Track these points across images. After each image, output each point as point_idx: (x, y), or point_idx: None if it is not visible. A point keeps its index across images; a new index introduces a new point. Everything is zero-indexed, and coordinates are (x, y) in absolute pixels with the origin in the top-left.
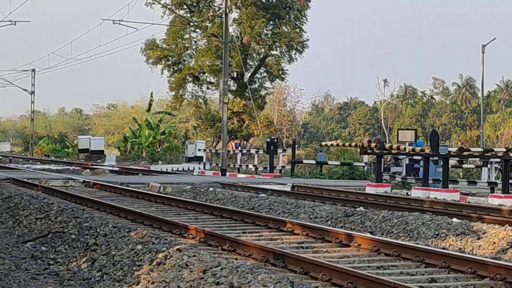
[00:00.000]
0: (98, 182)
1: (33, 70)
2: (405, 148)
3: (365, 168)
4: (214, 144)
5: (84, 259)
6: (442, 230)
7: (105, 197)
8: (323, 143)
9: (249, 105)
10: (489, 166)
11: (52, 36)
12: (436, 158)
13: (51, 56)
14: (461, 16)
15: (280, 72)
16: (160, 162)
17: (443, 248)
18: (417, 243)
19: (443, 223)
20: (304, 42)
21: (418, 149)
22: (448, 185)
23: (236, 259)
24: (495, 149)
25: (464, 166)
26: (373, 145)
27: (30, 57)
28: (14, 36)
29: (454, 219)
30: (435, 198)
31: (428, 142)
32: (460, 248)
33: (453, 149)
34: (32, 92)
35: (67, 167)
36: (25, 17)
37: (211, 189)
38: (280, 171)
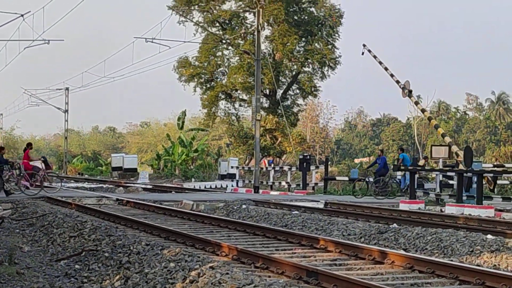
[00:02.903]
0: (131, 200)
1: (67, 89)
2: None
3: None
4: (247, 161)
5: (117, 277)
6: (476, 247)
7: (138, 215)
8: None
9: (282, 122)
10: None
11: (85, 55)
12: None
13: (84, 75)
14: (493, 32)
15: (313, 89)
16: (193, 179)
17: (478, 265)
18: (451, 260)
19: (478, 240)
20: (337, 59)
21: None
22: (483, 202)
23: (269, 276)
24: None
25: (499, 182)
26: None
27: (64, 75)
28: (48, 55)
29: (489, 236)
30: (469, 214)
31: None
32: (495, 265)
33: (488, 165)
34: (66, 111)
35: (100, 185)
36: (59, 36)
37: (244, 206)
38: (313, 188)
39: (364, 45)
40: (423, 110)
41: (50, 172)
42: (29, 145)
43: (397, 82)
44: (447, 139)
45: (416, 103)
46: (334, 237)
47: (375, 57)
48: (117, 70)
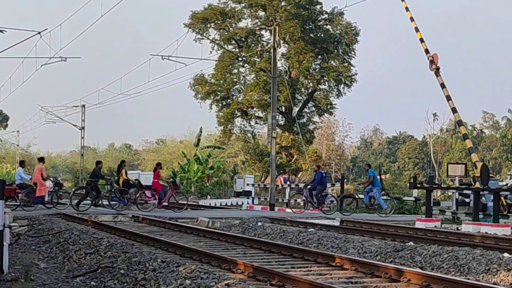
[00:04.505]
0: (147, 217)
1: (83, 106)
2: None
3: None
4: (263, 178)
5: None
6: (493, 265)
7: (154, 232)
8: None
9: (298, 139)
10: None
11: (102, 72)
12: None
13: (100, 92)
14: (510, 50)
15: (329, 107)
16: (208, 196)
17: (495, 284)
18: (468, 279)
19: (494, 258)
20: (353, 76)
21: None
22: (499, 220)
23: None
24: None
25: None
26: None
27: (80, 93)
28: (65, 72)
29: (506, 254)
30: (486, 233)
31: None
32: None
33: (504, 183)
34: (82, 128)
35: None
36: (76, 53)
37: (259, 224)
38: (329, 205)
39: None
40: (448, 98)
41: (178, 191)
42: (159, 165)
43: (426, 51)
44: (468, 142)
45: (442, 85)
46: (350, 255)
47: (407, 9)
48: (133, 87)
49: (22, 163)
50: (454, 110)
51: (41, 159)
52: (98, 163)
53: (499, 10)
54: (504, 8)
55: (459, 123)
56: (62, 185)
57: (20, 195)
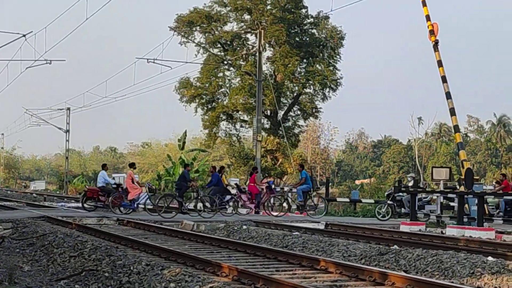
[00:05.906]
0: (132, 220)
1: (68, 109)
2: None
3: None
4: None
5: None
6: (477, 269)
7: (139, 235)
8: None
9: (283, 143)
10: None
11: (87, 75)
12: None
13: (86, 95)
14: (494, 54)
15: (314, 110)
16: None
17: (478, 287)
18: (452, 282)
19: (478, 262)
20: (338, 80)
21: None
22: (483, 224)
23: None
24: None
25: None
26: None
27: (65, 96)
28: (50, 75)
29: (489, 258)
30: (470, 236)
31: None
32: (496, 287)
33: (489, 187)
34: (67, 131)
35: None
36: (61, 56)
37: (244, 227)
38: (314, 209)
39: None
40: (443, 79)
41: (274, 196)
42: (255, 169)
43: (427, 18)
44: (458, 136)
45: (439, 63)
46: (334, 258)
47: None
48: (118, 91)
49: (104, 167)
50: (448, 96)
51: (132, 165)
52: (187, 165)
53: (482, 17)
54: (489, 15)
55: (452, 111)
56: (155, 191)
57: (110, 198)
